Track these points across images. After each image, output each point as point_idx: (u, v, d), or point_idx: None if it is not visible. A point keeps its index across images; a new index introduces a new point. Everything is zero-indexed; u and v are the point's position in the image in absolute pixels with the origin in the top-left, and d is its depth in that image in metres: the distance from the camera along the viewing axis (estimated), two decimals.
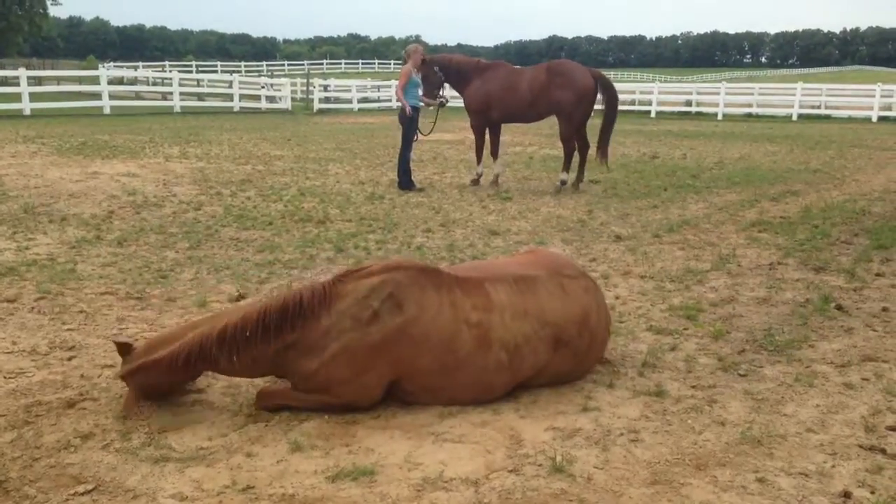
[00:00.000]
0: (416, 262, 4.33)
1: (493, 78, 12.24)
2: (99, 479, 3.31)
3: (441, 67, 12.42)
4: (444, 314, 4.04)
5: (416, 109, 12.05)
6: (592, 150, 12.44)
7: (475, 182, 12.64)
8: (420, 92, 12.11)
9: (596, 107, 12.39)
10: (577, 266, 4.85)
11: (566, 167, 12.23)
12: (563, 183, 12.22)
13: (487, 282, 4.25)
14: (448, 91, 13.09)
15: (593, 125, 12.41)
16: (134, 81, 42.93)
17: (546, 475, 3.41)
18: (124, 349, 4.00)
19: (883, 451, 3.70)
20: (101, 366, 4.59)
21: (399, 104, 12.12)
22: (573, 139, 12.12)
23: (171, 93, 32.87)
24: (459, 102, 13.79)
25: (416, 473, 3.41)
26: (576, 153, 12.30)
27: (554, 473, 3.42)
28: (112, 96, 29.69)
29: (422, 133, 12.49)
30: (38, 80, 33.43)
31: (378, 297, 3.95)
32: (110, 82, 31.15)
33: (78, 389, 4.24)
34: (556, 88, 11.73)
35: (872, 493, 3.33)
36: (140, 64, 69.75)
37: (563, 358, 4.35)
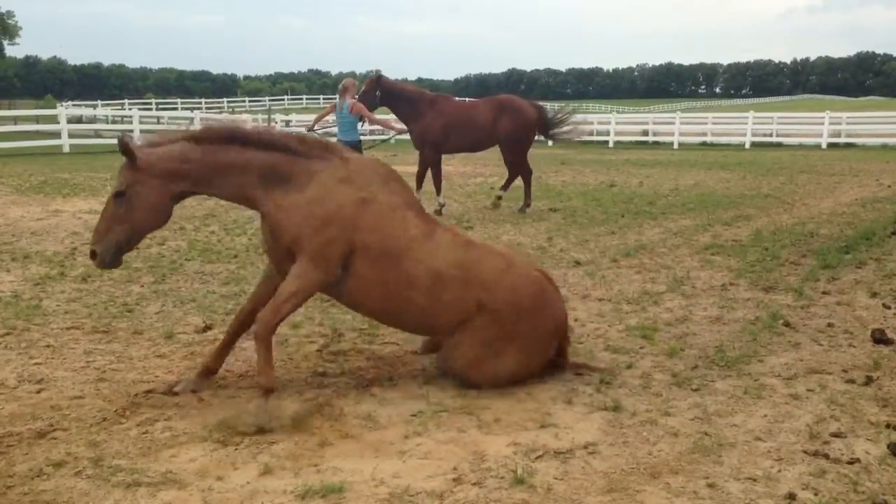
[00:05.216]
0: (390, 169, 4.98)
1: (448, 111, 12.80)
2: None
3: (387, 93, 12.60)
4: (395, 215, 4.69)
5: (359, 143, 11.96)
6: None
7: (438, 212, 12.87)
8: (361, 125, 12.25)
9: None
10: (532, 263, 5.27)
11: (528, 191, 13.23)
12: (528, 205, 13.15)
13: (441, 226, 4.89)
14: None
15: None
16: (93, 120, 42.71)
17: (508, 487, 3.57)
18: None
19: (826, 457, 3.91)
20: (70, 397, 4.65)
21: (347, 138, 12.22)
22: (525, 164, 13.14)
23: (131, 131, 32.74)
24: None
25: (382, 489, 3.54)
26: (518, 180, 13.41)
27: (515, 485, 3.58)
28: (71, 135, 29.52)
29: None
30: None
31: (351, 171, 4.68)
32: (69, 121, 30.98)
33: (48, 420, 4.30)
34: (507, 121, 12.68)
35: (816, 494, 3.53)
36: (99, 102, 69.32)
37: (485, 324, 4.73)
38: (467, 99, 14.60)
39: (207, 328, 6.14)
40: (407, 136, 13.69)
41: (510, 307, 4.76)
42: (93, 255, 4.45)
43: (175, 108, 62.66)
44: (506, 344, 4.78)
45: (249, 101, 77.50)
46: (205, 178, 4.51)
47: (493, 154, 13.92)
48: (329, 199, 4.56)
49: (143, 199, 4.38)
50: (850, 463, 3.84)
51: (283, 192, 4.55)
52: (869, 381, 4.95)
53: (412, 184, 12.65)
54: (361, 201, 4.62)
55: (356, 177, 4.69)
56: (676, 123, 36.16)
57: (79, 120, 39.06)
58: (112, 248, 4.39)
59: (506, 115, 12.64)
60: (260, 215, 4.69)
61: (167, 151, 4.46)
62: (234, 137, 4.54)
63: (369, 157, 5.03)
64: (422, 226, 4.78)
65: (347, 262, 4.60)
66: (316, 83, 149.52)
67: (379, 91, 12.53)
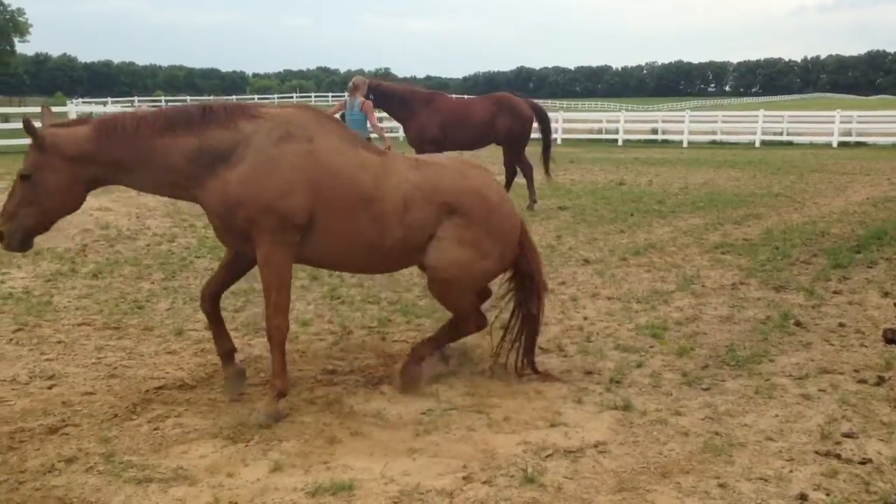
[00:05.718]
0: (322, 111, 4.79)
1: (443, 109, 12.80)
2: (84, 500, 3.41)
3: (380, 95, 12.53)
4: (349, 159, 4.45)
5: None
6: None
7: None
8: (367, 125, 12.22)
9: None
10: (477, 165, 5.18)
11: (531, 188, 13.37)
12: (535, 202, 13.23)
13: (386, 152, 4.82)
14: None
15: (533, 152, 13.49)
16: None
17: (518, 485, 3.57)
18: None
19: (838, 457, 3.89)
20: (81, 393, 4.67)
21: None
22: (525, 160, 13.33)
23: None
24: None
25: (392, 487, 3.54)
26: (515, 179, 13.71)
27: (525, 484, 3.58)
28: None
29: None
30: (4, 117, 33.14)
31: (284, 123, 4.37)
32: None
33: (60, 416, 4.32)
34: (506, 119, 12.86)
35: (828, 495, 3.52)
36: (108, 100, 69.51)
37: (460, 224, 4.63)
38: (459, 96, 14.61)
39: None
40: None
41: (480, 205, 4.70)
42: (0, 236, 4.22)
43: None
44: (485, 241, 4.71)
45: (259, 99, 77.59)
46: (120, 166, 4.20)
47: (500, 153, 13.90)
48: (276, 166, 4.22)
49: (50, 183, 4.12)
50: (862, 463, 3.82)
51: (223, 170, 4.21)
52: (881, 380, 4.93)
53: None
54: (309, 155, 4.32)
55: (292, 128, 4.36)
56: (686, 122, 35.96)
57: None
58: (20, 231, 4.20)
59: (504, 113, 12.79)
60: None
61: (72, 133, 4.15)
62: (143, 123, 4.21)
63: (288, 104, 4.84)
64: (376, 160, 4.58)
65: (309, 223, 4.35)
66: (324, 81, 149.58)
67: (372, 95, 12.50)
